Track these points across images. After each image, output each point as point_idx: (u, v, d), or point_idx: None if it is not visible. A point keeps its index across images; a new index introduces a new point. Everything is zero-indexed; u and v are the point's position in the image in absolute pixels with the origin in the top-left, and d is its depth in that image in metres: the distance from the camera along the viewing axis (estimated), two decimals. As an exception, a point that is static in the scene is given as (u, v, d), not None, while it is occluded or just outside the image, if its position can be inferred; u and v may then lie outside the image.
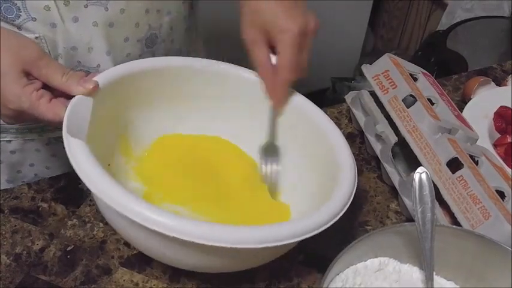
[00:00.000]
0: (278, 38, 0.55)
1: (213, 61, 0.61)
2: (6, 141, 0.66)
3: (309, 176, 0.58)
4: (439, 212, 0.56)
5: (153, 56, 0.68)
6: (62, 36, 0.58)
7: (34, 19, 0.56)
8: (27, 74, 0.49)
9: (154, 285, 0.53)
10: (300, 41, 0.55)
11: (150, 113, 0.60)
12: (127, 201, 0.42)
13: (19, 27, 0.56)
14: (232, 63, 0.61)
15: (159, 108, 0.61)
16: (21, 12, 0.55)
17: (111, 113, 0.56)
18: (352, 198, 0.49)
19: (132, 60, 0.59)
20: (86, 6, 0.57)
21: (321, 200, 0.51)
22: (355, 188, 0.50)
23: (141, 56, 0.66)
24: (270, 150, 0.60)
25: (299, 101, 0.59)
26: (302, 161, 0.59)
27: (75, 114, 0.49)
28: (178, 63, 0.60)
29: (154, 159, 0.60)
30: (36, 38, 0.57)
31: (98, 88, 0.51)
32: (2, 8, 0.54)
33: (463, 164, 0.56)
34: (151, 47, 0.66)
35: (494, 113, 0.72)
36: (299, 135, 0.59)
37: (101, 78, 0.53)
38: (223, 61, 0.61)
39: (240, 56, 0.59)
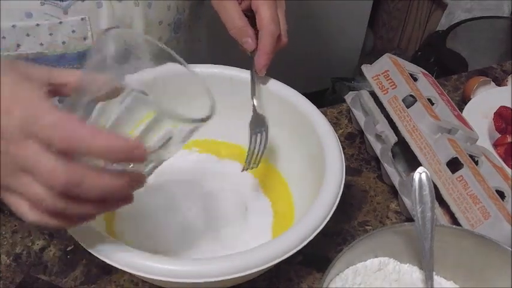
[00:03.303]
0: None
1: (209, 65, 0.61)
2: None
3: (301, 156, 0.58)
4: (439, 211, 0.56)
5: (178, 42, 0.69)
6: (106, 16, 0.59)
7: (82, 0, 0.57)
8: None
9: (153, 285, 0.53)
10: None
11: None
12: (106, 248, 0.43)
13: (65, 11, 0.56)
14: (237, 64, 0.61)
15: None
16: None
17: None
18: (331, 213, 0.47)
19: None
20: None
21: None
22: (338, 198, 0.48)
23: (168, 41, 0.67)
24: (258, 123, 0.58)
25: (286, 92, 0.59)
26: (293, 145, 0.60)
27: None
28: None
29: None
30: (82, 19, 0.58)
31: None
32: None
33: (462, 164, 0.56)
34: (177, 32, 0.68)
35: (494, 113, 0.72)
36: (286, 124, 0.59)
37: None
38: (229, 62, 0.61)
39: (244, 56, 0.59)
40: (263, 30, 0.55)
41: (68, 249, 0.56)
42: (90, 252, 0.43)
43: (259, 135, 0.57)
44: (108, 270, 0.54)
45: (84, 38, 0.59)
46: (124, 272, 0.54)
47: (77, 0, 0.56)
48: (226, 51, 0.80)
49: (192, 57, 0.75)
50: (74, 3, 0.56)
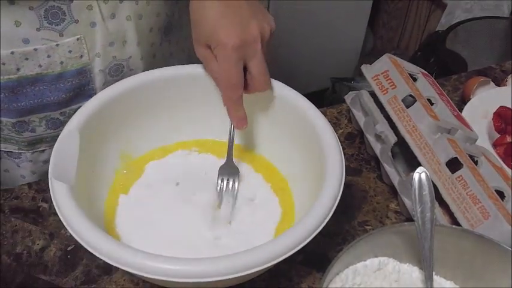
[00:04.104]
0: (215, 53, 0.52)
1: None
2: (40, 151, 0.68)
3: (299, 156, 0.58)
4: (439, 211, 0.56)
5: (169, 44, 0.70)
6: (100, 34, 0.60)
7: (77, 21, 0.58)
8: None
9: (153, 285, 0.53)
10: (236, 54, 0.51)
11: (149, 125, 0.61)
12: (106, 248, 0.43)
13: (61, 33, 0.58)
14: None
15: (157, 120, 0.62)
16: (65, 15, 0.57)
17: (107, 134, 0.57)
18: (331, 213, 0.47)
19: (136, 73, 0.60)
20: (121, 1, 0.60)
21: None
22: (337, 199, 0.48)
23: (161, 45, 0.69)
24: (229, 171, 0.58)
25: (288, 93, 0.59)
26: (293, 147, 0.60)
27: (61, 153, 0.48)
28: (170, 72, 0.60)
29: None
30: (78, 39, 0.59)
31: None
32: (49, 14, 0.56)
33: (462, 164, 0.56)
34: (168, 35, 0.69)
35: (494, 113, 0.72)
36: (288, 126, 0.59)
37: (91, 103, 0.55)
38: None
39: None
40: (222, 94, 0.55)
41: (68, 249, 0.56)
42: (90, 252, 0.43)
43: (225, 181, 0.57)
44: (108, 270, 0.54)
45: (81, 56, 0.61)
46: (124, 272, 0.54)
47: (71, 22, 0.57)
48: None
49: (186, 56, 0.75)
50: (68, 25, 0.58)
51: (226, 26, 0.51)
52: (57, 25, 0.57)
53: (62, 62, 0.60)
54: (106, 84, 0.64)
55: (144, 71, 0.65)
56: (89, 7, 0.58)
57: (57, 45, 0.58)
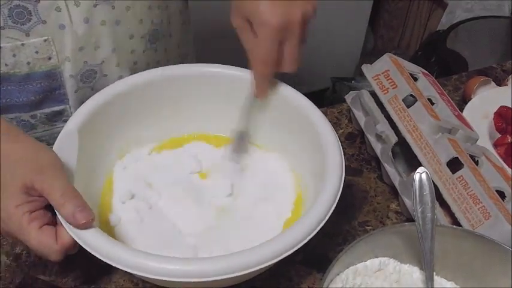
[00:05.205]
0: (256, 30, 0.52)
1: (204, 64, 0.61)
2: None
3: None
4: (439, 212, 0.56)
5: (155, 52, 0.69)
6: (70, 37, 0.59)
7: (44, 22, 0.57)
8: (30, 189, 0.45)
9: (154, 285, 0.53)
10: (278, 35, 0.51)
11: (147, 123, 0.61)
12: (106, 248, 0.43)
13: (27, 33, 0.57)
14: (225, 63, 0.61)
15: (155, 118, 0.62)
16: (31, 15, 0.56)
17: (106, 134, 0.57)
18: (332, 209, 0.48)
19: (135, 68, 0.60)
20: (94, 5, 0.59)
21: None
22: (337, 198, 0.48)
23: (144, 52, 0.67)
24: (242, 139, 0.60)
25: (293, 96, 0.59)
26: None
27: (60, 153, 0.48)
28: (172, 72, 0.60)
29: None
30: (45, 40, 0.58)
31: (90, 223, 0.45)
32: (13, 14, 0.55)
33: (463, 164, 0.56)
34: (154, 42, 0.68)
35: (495, 113, 0.72)
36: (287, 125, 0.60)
37: (90, 103, 0.55)
38: (215, 62, 0.61)
39: (232, 55, 0.59)
40: (253, 70, 0.55)
41: (67, 249, 0.56)
42: (90, 252, 0.43)
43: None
44: (108, 270, 0.54)
45: (49, 58, 0.59)
46: (124, 272, 0.54)
47: (38, 23, 0.57)
48: (215, 53, 0.80)
49: (176, 64, 0.74)
50: (35, 26, 0.57)
51: (273, 5, 0.51)
52: (23, 25, 0.56)
53: (28, 63, 0.59)
54: (78, 90, 0.63)
55: (121, 77, 0.65)
56: (57, 8, 0.56)
57: (22, 44, 0.57)
